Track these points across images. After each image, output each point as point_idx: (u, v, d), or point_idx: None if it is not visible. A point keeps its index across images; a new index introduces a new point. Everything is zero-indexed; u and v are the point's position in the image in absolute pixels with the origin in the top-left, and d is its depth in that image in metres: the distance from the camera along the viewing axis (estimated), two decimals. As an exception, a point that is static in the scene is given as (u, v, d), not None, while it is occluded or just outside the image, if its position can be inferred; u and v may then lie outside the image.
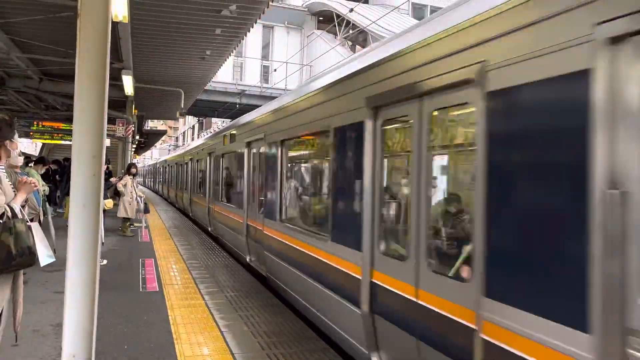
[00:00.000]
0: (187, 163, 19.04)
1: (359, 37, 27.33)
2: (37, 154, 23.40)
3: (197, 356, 4.57)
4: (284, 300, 6.58)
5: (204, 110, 31.64)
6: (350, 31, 26.25)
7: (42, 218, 4.94)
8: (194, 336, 5.10)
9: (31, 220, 3.37)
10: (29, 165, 10.61)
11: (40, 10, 8.45)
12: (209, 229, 13.14)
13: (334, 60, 21.94)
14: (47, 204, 9.56)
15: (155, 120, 46.38)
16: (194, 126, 54.07)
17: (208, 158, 13.46)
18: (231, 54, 11.85)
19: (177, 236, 12.84)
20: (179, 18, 9.08)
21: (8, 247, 2.99)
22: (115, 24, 8.02)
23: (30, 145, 34.84)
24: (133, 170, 12.58)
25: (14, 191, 3.31)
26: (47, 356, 4.47)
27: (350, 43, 29.04)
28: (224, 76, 26.22)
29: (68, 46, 9.61)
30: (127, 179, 12.18)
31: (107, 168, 13.12)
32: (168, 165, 27.98)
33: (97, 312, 3.10)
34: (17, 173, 5.72)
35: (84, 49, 2.96)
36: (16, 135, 3.31)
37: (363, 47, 26.29)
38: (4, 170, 3.36)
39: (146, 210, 13.20)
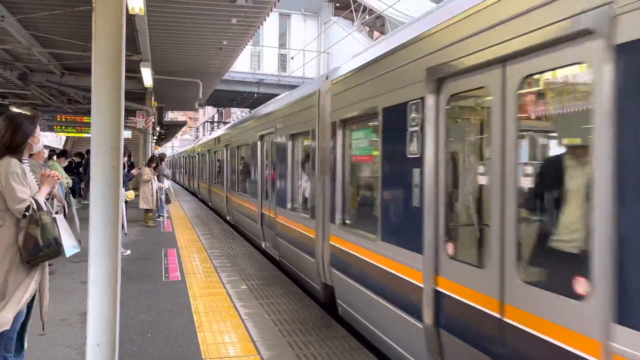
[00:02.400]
0: (205, 154, 19.21)
1: (377, 23, 27.02)
2: (61, 147, 23.85)
3: (219, 344, 4.64)
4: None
5: (222, 100, 31.75)
6: (367, 17, 25.95)
7: (67, 210, 5.07)
8: (215, 324, 5.18)
9: (56, 212, 3.45)
10: (52, 158, 10.82)
11: (59, 4, 8.55)
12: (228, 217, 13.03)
13: (351, 47, 21.73)
14: (71, 196, 9.76)
15: (175, 112, 46.74)
16: (213, 116, 54.39)
17: (225, 149, 13.49)
18: (248, 43, 11.85)
19: (198, 226, 13.01)
20: (195, 9, 9.09)
21: (35, 239, 3.06)
22: (132, 17, 8.08)
23: (54, 139, 35.54)
24: (152, 164, 12.74)
25: (38, 184, 3.39)
26: (73, 344, 4.58)
27: (367, 29, 28.72)
28: (242, 66, 26.17)
29: (88, 40, 9.68)
30: (146, 170, 12.33)
31: (129, 159, 13.30)
32: (189, 156, 28.16)
33: (120, 302, 3.17)
34: (42, 166, 5.83)
35: (100, 42, 2.99)
36: (37, 130, 3.37)
37: (381, 32, 25.99)
38: (27, 165, 3.44)
39: (167, 201, 13.38)
